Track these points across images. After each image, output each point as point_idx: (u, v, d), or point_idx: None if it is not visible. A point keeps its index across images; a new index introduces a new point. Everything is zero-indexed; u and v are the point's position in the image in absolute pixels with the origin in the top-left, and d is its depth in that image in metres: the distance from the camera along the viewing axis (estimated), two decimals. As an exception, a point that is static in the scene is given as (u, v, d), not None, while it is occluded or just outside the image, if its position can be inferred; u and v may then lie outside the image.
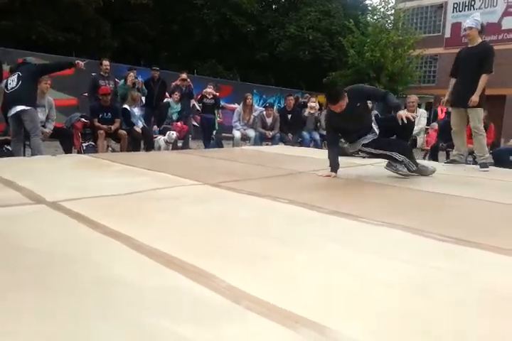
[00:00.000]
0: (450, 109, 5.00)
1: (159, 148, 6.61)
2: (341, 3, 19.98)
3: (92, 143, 6.12)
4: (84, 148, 6.00)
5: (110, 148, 6.47)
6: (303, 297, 1.28)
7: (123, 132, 6.27)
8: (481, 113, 4.68)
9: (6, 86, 5.05)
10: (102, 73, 7.16)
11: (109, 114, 6.32)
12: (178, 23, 17.58)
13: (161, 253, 1.59)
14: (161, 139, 6.63)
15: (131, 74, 7.35)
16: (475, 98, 4.51)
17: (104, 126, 6.14)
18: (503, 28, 17.09)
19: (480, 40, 4.71)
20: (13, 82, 5.01)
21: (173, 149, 6.64)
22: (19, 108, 4.88)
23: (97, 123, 6.16)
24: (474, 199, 2.99)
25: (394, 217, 2.30)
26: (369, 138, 3.83)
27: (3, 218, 2.02)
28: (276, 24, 19.66)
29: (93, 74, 7.62)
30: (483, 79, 4.52)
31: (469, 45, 4.78)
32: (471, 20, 4.72)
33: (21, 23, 12.45)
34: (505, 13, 17.29)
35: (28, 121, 4.96)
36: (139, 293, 1.26)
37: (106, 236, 1.77)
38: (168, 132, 6.69)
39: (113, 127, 6.21)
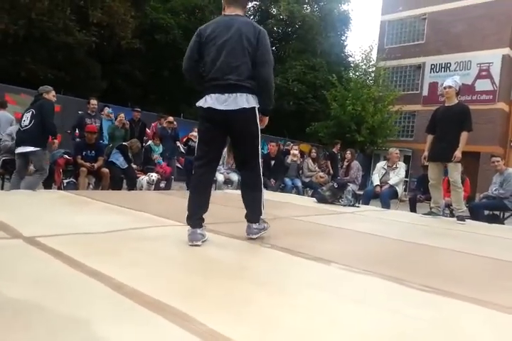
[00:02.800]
0: (426, 163, 5.16)
1: (141, 188, 6.58)
2: (325, 59, 20.96)
3: (73, 180, 6.05)
4: (65, 184, 5.92)
5: (91, 186, 6.40)
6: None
7: (106, 170, 6.24)
8: (459, 168, 4.86)
9: (21, 123, 5.11)
10: (89, 112, 7.25)
11: (93, 151, 6.31)
12: (168, 69, 18.08)
13: (141, 294, 1.55)
14: (143, 179, 6.62)
15: (122, 115, 7.57)
16: (459, 154, 4.70)
17: (87, 164, 6.11)
18: (476, 89, 18.10)
19: (456, 100, 4.97)
20: (26, 119, 5.03)
21: (155, 190, 6.61)
22: (28, 149, 4.95)
23: (80, 161, 6.13)
24: (452, 250, 3.03)
25: (374, 265, 2.31)
26: None
27: (-23, 251, 1.96)
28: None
29: (80, 112, 7.70)
30: (465, 136, 4.73)
31: (446, 104, 5.03)
32: (452, 80, 5.00)
33: (12, 59, 12.63)
34: (478, 77, 18.39)
35: (36, 161, 5.06)
36: (118, 335, 1.22)
37: (84, 275, 1.72)
38: (148, 173, 6.73)
39: (96, 165, 6.18)
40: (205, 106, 2.56)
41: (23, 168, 5.20)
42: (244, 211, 2.78)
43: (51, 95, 5.26)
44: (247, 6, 2.70)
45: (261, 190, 2.73)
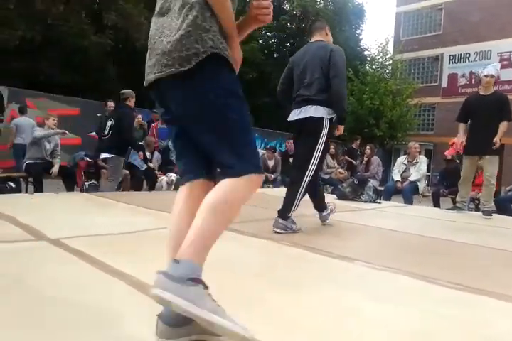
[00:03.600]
0: (449, 157, 5.02)
1: (161, 188, 6.62)
2: (341, 53, 20.74)
3: (95, 182, 6.12)
4: (87, 186, 6.00)
5: (113, 187, 6.47)
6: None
7: (125, 172, 6.30)
8: (497, 162, 4.64)
9: (104, 130, 5.55)
10: (107, 114, 7.32)
11: (113, 153, 6.37)
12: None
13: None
14: (163, 180, 6.65)
15: (139, 116, 7.62)
16: (497, 139, 4.48)
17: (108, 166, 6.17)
18: (500, 79, 17.69)
19: (493, 89, 4.74)
20: (107, 128, 5.48)
21: (175, 189, 6.64)
22: (103, 155, 5.52)
23: (100, 163, 6.19)
24: (479, 246, 2.96)
25: (399, 262, 2.27)
26: None
27: (3, 254, 1.99)
28: (279, 71, 20.32)
29: (98, 114, 7.78)
30: (505, 126, 4.53)
31: (482, 93, 4.77)
32: (494, 68, 4.75)
33: (29, 64, 12.86)
34: (501, 66, 17.97)
35: (109, 167, 5.53)
36: (140, 335, 1.21)
37: (107, 275, 1.74)
38: (167, 174, 6.82)
39: (116, 166, 6.24)
40: (288, 119, 3.18)
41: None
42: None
43: (132, 101, 5.54)
44: (325, 28, 3.29)
45: (298, 191, 2.97)
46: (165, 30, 1.20)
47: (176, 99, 1.22)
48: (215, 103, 1.17)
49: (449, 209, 5.07)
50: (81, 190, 5.95)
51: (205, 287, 1.12)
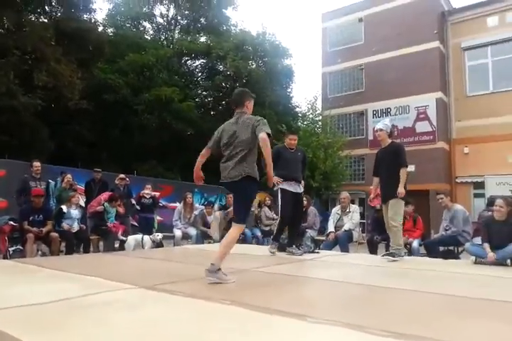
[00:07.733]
0: (378, 207, 5.30)
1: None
2: (274, 110, 21.66)
3: (20, 247, 5.70)
4: (11, 252, 5.57)
5: (40, 252, 6.04)
6: None
7: (55, 235, 5.94)
8: (399, 206, 4.87)
9: None
10: (33, 175, 7.00)
11: (41, 216, 6.01)
12: (118, 127, 18.05)
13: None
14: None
15: (69, 175, 7.36)
16: (401, 190, 4.75)
17: (35, 229, 5.77)
18: (417, 131, 19.17)
19: (389, 141, 5.15)
20: None
21: (108, 250, 6.32)
22: None
23: (26, 226, 5.80)
24: (409, 290, 3.04)
25: (335, 313, 2.27)
26: None
27: None
28: (216, 128, 20.71)
29: (25, 175, 7.42)
30: (403, 172, 4.82)
31: (382, 146, 5.22)
32: (381, 123, 5.29)
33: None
34: (417, 119, 19.54)
35: None
36: None
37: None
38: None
39: (44, 229, 5.87)
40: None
41: None
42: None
43: None
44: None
45: None
46: None
47: None
48: None
49: (384, 254, 5.07)
50: (4, 257, 5.51)
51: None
